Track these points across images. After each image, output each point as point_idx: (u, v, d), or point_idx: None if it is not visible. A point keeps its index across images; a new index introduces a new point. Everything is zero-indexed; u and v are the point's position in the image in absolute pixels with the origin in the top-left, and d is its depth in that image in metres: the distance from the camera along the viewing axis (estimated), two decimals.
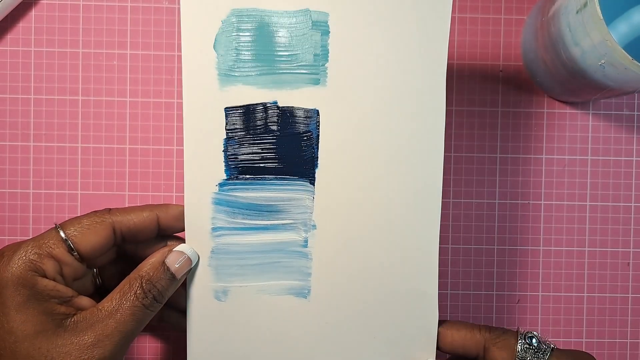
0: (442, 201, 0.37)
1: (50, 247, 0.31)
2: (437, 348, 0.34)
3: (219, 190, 0.34)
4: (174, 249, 0.34)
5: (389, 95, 0.33)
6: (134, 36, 0.40)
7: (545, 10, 0.35)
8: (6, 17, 0.39)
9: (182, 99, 0.40)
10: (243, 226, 0.34)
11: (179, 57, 0.40)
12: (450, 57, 0.40)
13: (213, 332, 0.35)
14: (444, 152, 0.38)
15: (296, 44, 0.33)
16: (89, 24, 0.40)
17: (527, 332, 0.32)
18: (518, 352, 0.31)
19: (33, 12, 0.40)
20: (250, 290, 0.35)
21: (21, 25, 0.39)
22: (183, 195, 0.38)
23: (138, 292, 0.32)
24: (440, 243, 0.40)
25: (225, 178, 0.34)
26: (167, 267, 0.33)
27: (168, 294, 0.33)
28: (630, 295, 0.41)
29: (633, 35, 0.32)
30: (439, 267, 0.34)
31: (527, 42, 0.39)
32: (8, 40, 0.40)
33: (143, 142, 0.40)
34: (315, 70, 0.33)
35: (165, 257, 0.33)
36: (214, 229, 0.34)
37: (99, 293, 0.35)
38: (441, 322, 0.35)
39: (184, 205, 0.35)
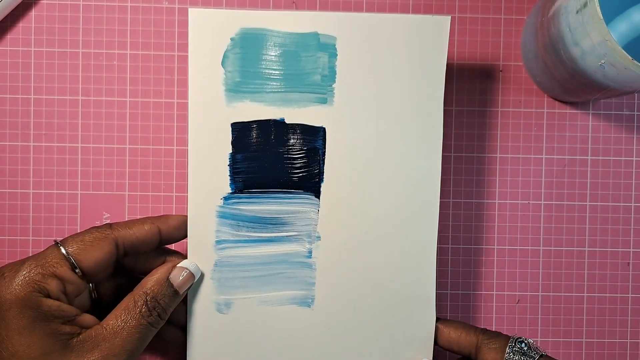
0: (442, 201, 0.39)
1: (54, 266, 0.30)
2: (435, 343, 0.36)
3: (224, 203, 0.35)
4: (177, 265, 0.34)
5: (391, 115, 0.35)
6: (134, 36, 0.40)
7: (545, 10, 0.35)
8: (6, 17, 0.39)
9: (182, 98, 0.40)
10: (247, 239, 0.35)
11: (179, 57, 0.40)
12: (450, 57, 0.40)
13: (214, 345, 0.36)
14: (445, 152, 0.39)
15: (304, 65, 0.35)
16: (89, 24, 0.40)
17: (519, 338, 0.33)
18: (507, 354, 0.32)
19: (33, 12, 0.40)
20: (253, 301, 0.36)
21: (21, 25, 0.39)
22: (183, 196, 0.39)
23: (143, 310, 0.32)
24: (440, 243, 0.40)
25: (230, 192, 0.35)
26: (171, 282, 0.33)
27: (171, 310, 0.33)
28: (630, 295, 0.41)
29: (633, 35, 0.32)
30: (438, 268, 0.36)
31: (527, 42, 0.39)
32: (8, 40, 0.40)
33: (143, 142, 0.40)
34: (323, 90, 0.35)
35: (170, 273, 0.33)
36: (218, 242, 0.35)
37: (94, 307, 0.35)
38: (442, 320, 0.36)
39: (183, 215, 0.35)
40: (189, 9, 0.35)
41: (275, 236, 0.36)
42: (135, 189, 0.40)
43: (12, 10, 0.39)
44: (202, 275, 0.35)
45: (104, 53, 0.40)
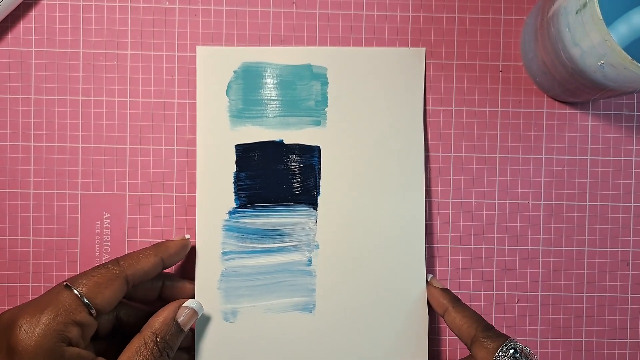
0: (442, 201, 0.40)
1: (73, 313, 0.30)
2: (443, 318, 0.37)
3: (229, 217, 0.38)
4: (182, 305, 0.35)
5: (378, 134, 0.39)
6: (134, 36, 0.40)
7: (545, 11, 0.35)
8: (7, 17, 0.39)
9: (182, 99, 0.40)
10: (252, 249, 0.38)
11: (180, 57, 0.40)
12: (450, 57, 0.40)
13: (222, 353, 0.38)
14: (444, 152, 0.39)
15: (300, 92, 0.39)
16: (89, 24, 0.40)
17: (514, 343, 0.33)
18: (496, 356, 0.32)
19: (33, 13, 0.40)
20: (259, 309, 0.38)
21: (22, 25, 0.40)
22: (183, 196, 0.39)
23: (154, 351, 0.32)
24: (440, 243, 0.40)
25: (235, 207, 0.38)
26: (177, 322, 0.34)
27: (177, 347, 0.34)
28: (629, 295, 0.41)
29: (633, 37, 0.32)
30: (439, 268, 0.38)
31: (526, 42, 0.39)
32: (8, 41, 0.40)
33: (143, 142, 0.40)
34: (317, 114, 0.39)
35: (176, 313, 0.34)
36: (224, 253, 0.38)
37: (92, 341, 0.35)
38: (457, 302, 0.37)
39: (181, 239, 0.37)
40: (197, 47, 0.39)
41: (277, 246, 0.39)
42: (135, 189, 0.40)
43: (13, 11, 0.39)
44: (203, 314, 0.38)
45: (104, 53, 0.40)
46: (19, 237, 0.40)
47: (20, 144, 0.40)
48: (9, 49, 0.40)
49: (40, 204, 0.40)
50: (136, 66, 0.40)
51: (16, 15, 0.39)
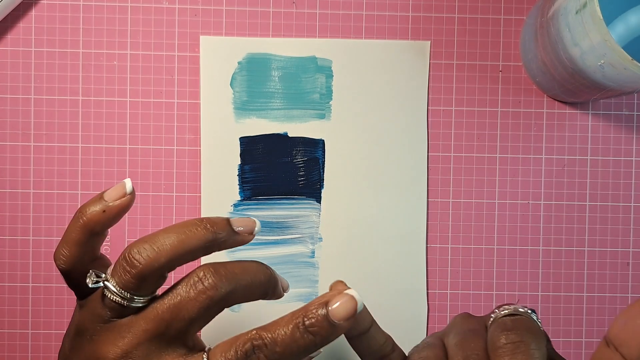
0: (442, 201, 0.40)
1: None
2: None
3: (234, 210, 0.39)
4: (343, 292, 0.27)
5: (382, 128, 0.40)
6: (134, 36, 0.40)
7: (544, 11, 0.35)
8: (6, 17, 0.39)
9: (182, 98, 0.40)
10: (256, 242, 0.39)
11: (180, 57, 0.40)
12: (450, 57, 0.40)
13: None
14: (444, 152, 0.39)
15: (304, 85, 0.39)
16: (89, 24, 0.40)
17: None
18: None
19: (33, 13, 0.40)
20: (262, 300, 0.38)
21: (21, 25, 0.40)
22: (183, 196, 0.39)
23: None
24: (440, 243, 0.40)
25: (240, 199, 0.39)
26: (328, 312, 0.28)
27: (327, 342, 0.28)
28: (629, 295, 0.41)
29: (631, 37, 0.32)
30: (438, 267, 0.38)
31: (526, 42, 0.39)
32: (8, 41, 0.40)
33: (143, 142, 0.40)
34: (321, 107, 0.40)
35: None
36: None
37: None
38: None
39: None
40: (201, 37, 0.39)
41: (281, 239, 0.39)
42: (136, 189, 0.40)
43: (12, 11, 0.39)
44: None
45: (104, 53, 0.40)
46: (19, 237, 0.40)
47: (20, 144, 0.40)
48: (9, 49, 0.40)
49: (40, 204, 0.40)
50: (136, 66, 0.40)
51: (16, 15, 0.39)
